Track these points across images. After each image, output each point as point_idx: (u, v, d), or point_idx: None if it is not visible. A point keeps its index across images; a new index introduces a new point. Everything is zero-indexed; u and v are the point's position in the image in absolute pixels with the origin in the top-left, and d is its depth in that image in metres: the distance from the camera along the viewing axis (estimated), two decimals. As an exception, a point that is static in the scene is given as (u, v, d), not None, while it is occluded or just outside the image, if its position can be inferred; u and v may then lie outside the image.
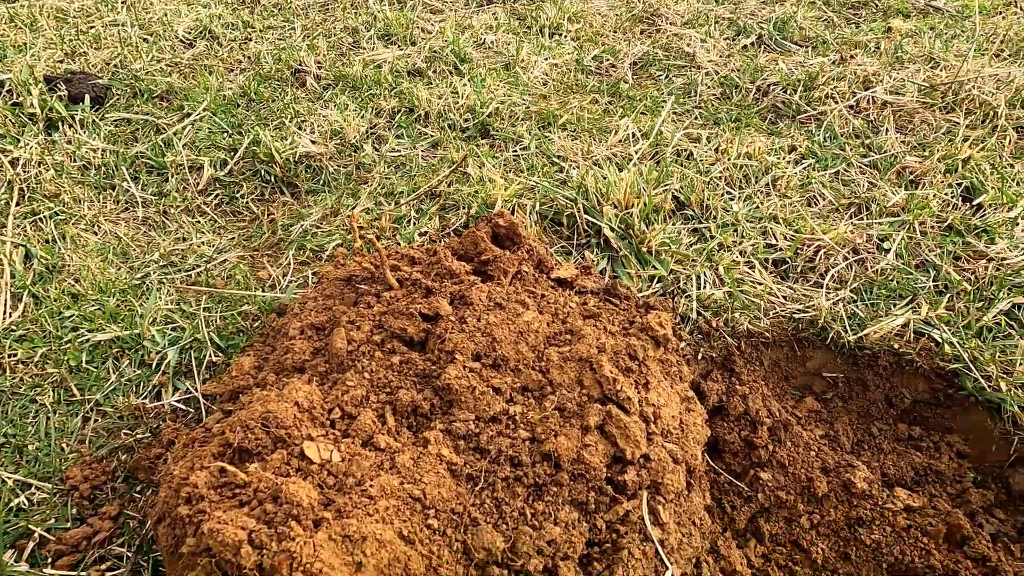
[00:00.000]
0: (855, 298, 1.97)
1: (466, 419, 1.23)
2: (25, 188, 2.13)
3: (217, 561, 0.93)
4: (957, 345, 1.81)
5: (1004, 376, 1.72)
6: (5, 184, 2.12)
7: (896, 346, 1.86)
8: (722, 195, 2.24)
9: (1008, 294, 1.91)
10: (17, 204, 2.08)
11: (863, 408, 1.91)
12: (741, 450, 1.74)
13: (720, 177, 2.29)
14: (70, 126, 2.36)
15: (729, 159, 2.32)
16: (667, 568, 1.13)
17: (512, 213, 2.10)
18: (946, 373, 1.83)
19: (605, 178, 2.08)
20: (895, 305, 1.94)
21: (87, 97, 2.44)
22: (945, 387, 1.84)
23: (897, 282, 2.00)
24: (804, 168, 2.39)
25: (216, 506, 1.04)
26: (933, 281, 2.00)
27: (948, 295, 1.95)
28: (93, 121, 2.39)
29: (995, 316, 1.86)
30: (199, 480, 1.07)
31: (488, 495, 1.15)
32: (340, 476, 1.11)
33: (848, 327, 1.89)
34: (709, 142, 2.44)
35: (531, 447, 1.21)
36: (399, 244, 2.02)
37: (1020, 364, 1.74)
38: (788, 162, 2.40)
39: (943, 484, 1.76)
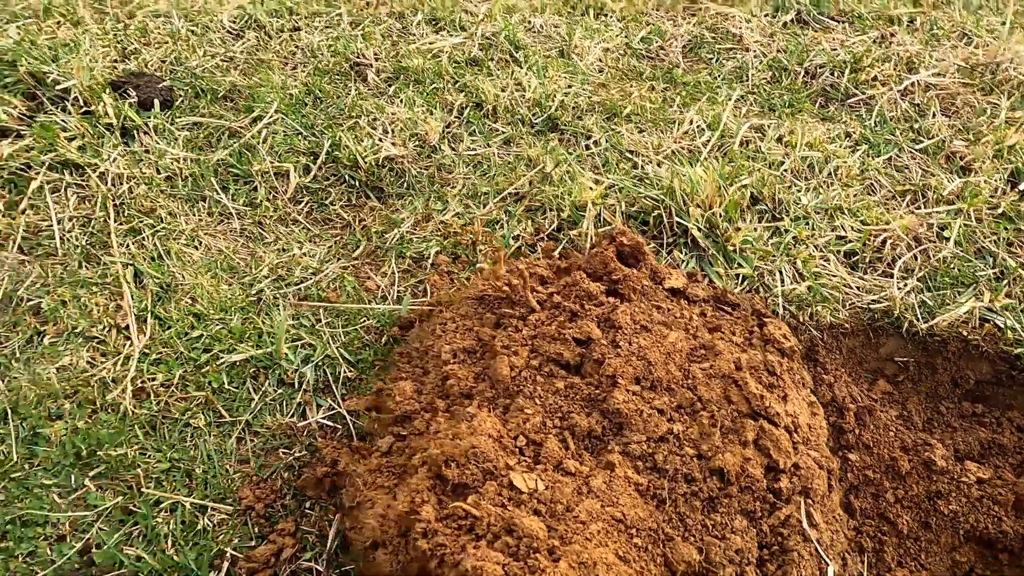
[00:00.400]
0: (922, 287, 2.14)
1: (639, 440, 1.38)
2: (120, 204, 2.15)
3: (485, 595, 1.07)
4: (1020, 330, 2.00)
5: (1065, 360, 1.92)
6: (99, 201, 2.14)
7: (964, 332, 2.04)
8: (790, 187, 2.36)
9: (1062, 281, 2.09)
10: (116, 221, 2.11)
11: (931, 389, 2.10)
12: (831, 434, 1.93)
13: (788, 169, 2.41)
14: (145, 134, 2.36)
15: (796, 151, 2.43)
16: (828, 564, 1.30)
17: (599, 215, 2.20)
18: (1010, 356, 2.02)
19: (689, 177, 2.18)
20: (959, 293, 2.11)
21: (156, 102, 2.42)
22: (1008, 369, 2.04)
23: (959, 270, 2.16)
24: (859, 155, 2.51)
25: (452, 539, 1.18)
26: (992, 268, 2.17)
27: (1006, 281, 2.12)
28: (167, 128, 2.39)
29: (1052, 303, 2.05)
30: (430, 515, 1.20)
31: (672, 511, 1.31)
32: (548, 503, 1.25)
33: (919, 316, 2.06)
34: (772, 132, 2.54)
35: (700, 463, 1.36)
36: (493, 249, 2.12)
37: (1079, 349, 1.93)
38: (846, 149, 2.52)
39: (1006, 456, 1.98)
